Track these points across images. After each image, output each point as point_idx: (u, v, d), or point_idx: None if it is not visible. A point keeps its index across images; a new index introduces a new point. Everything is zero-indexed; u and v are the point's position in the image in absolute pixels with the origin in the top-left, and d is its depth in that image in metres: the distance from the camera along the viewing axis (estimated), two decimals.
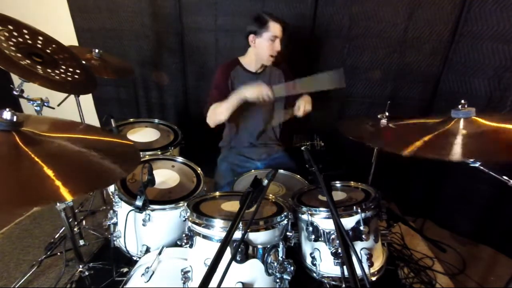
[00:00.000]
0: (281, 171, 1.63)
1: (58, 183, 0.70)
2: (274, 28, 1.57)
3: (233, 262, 0.87)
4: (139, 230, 1.28)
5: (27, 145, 0.78)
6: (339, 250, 1.06)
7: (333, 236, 1.09)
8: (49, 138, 0.87)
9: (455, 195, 2.04)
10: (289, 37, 2.05)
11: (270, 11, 2.01)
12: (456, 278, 1.70)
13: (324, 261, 1.15)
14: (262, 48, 1.62)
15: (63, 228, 1.76)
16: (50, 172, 0.72)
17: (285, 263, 0.97)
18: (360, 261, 0.91)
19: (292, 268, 0.97)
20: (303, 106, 1.60)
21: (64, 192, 0.68)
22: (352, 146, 1.58)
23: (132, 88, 2.54)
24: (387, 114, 1.57)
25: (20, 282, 1.55)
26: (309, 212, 1.14)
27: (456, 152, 0.87)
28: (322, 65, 2.14)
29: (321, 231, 1.12)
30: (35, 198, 0.68)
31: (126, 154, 1.01)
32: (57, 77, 1.35)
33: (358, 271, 0.79)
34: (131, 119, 1.92)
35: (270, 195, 1.22)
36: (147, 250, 1.27)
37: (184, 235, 1.02)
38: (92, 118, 2.63)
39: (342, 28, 2.00)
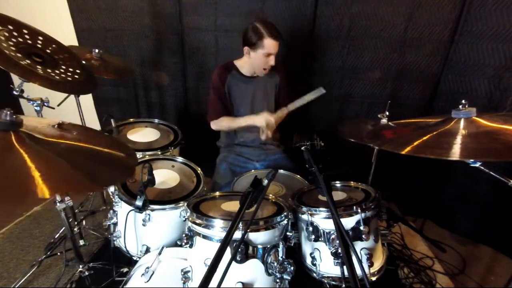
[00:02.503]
0: (281, 171, 1.63)
1: (48, 182, 0.70)
2: (269, 46, 1.53)
3: (233, 262, 0.87)
4: (139, 230, 1.28)
5: (23, 146, 0.78)
6: (339, 250, 1.06)
7: (333, 236, 1.09)
8: (47, 139, 0.88)
9: (455, 195, 2.04)
10: (289, 37, 2.07)
11: (270, 11, 2.03)
12: (456, 278, 1.70)
13: (324, 261, 1.15)
14: (256, 61, 1.61)
15: (63, 228, 1.76)
16: (36, 174, 0.72)
17: (285, 263, 0.97)
18: (360, 261, 0.91)
19: (292, 268, 0.97)
20: (266, 132, 1.67)
21: (56, 191, 0.70)
22: (352, 146, 1.58)
23: (132, 88, 2.54)
24: (387, 113, 1.57)
25: (20, 282, 1.55)
26: (309, 212, 1.14)
27: (456, 152, 0.87)
28: (322, 65, 2.13)
29: (321, 231, 1.12)
30: (23, 196, 0.69)
31: (123, 158, 1.00)
32: (57, 77, 1.35)
33: (358, 271, 0.79)
34: (131, 119, 1.92)
35: (270, 195, 1.22)
36: (147, 250, 1.27)
37: (184, 235, 1.03)
38: (92, 118, 2.63)
39: (342, 28, 1.99)
